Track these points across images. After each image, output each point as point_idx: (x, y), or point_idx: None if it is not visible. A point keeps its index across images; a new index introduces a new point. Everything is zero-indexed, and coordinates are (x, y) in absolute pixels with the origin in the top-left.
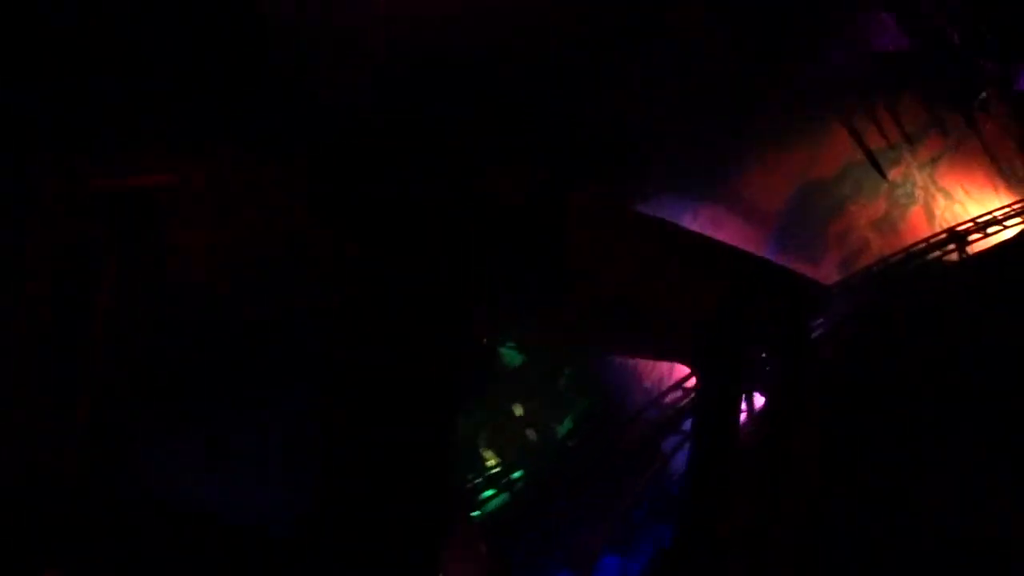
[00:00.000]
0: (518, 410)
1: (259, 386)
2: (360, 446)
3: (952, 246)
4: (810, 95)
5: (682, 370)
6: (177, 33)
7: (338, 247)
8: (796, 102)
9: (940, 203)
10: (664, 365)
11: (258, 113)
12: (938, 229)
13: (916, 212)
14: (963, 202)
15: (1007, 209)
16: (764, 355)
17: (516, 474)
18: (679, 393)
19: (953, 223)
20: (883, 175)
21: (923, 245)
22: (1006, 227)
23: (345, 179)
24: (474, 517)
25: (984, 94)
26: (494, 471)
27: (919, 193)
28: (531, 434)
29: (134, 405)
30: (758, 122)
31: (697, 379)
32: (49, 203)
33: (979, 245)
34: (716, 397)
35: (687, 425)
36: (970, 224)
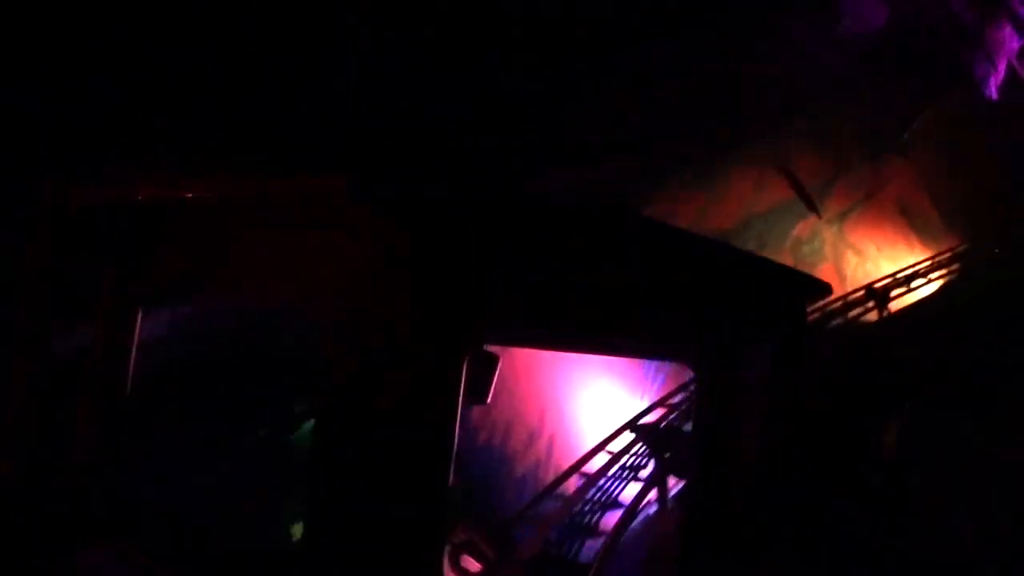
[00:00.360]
0: None
1: (257, 387)
2: (360, 447)
3: (871, 303)
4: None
5: (566, 453)
6: (179, 39)
7: (339, 251)
8: (699, 141)
9: (851, 261)
10: (541, 448)
11: (260, 122)
12: (850, 289)
13: (825, 271)
14: (875, 260)
15: (929, 262)
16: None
17: None
18: (579, 480)
19: (866, 282)
20: (816, 211)
21: (839, 303)
22: (931, 280)
23: (350, 183)
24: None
25: (906, 135)
26: None
27: (828, 250)
28: None
29: (133, 407)
30: (653, 163)
31: (697, 381)
32: (49, 206)
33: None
34: (717, 399)
35: (608, 521)
36: (889, 280)
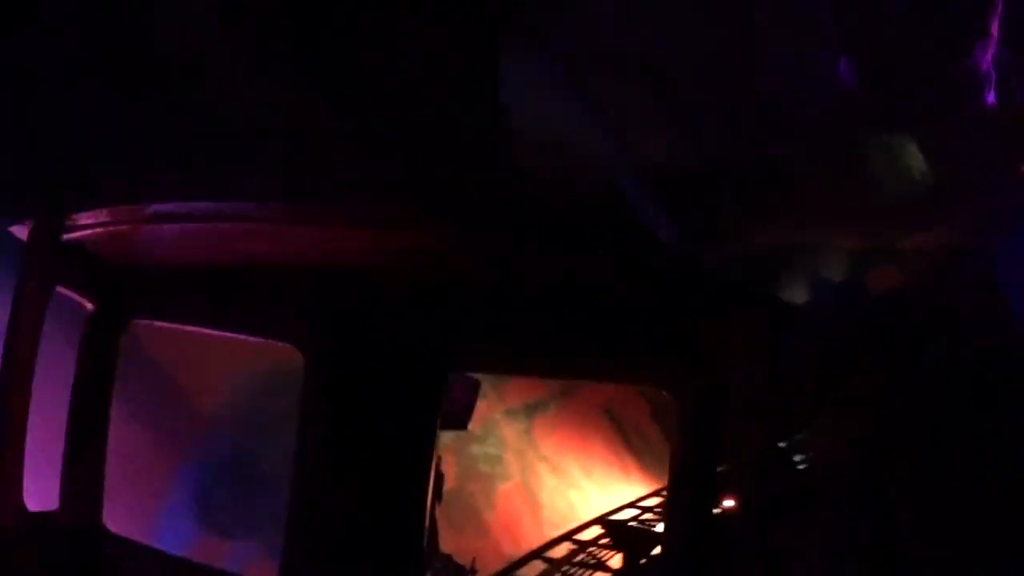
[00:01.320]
0: None
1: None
2: (341, 474)
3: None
4: None
5: None
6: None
7: (328, 274)
8: None
9: (547, 483)
10: None
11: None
12: (549, 526)
13: (511, 490)
14: (582, 487)
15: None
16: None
17: None
18: None
19: (572, 517)
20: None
21: (568, 547)
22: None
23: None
24: None
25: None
26: None
27: (512, 459)
28: None
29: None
30: None
31: (675, 407)
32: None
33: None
34: (696, 423)
35: None
36: (631, 509)
